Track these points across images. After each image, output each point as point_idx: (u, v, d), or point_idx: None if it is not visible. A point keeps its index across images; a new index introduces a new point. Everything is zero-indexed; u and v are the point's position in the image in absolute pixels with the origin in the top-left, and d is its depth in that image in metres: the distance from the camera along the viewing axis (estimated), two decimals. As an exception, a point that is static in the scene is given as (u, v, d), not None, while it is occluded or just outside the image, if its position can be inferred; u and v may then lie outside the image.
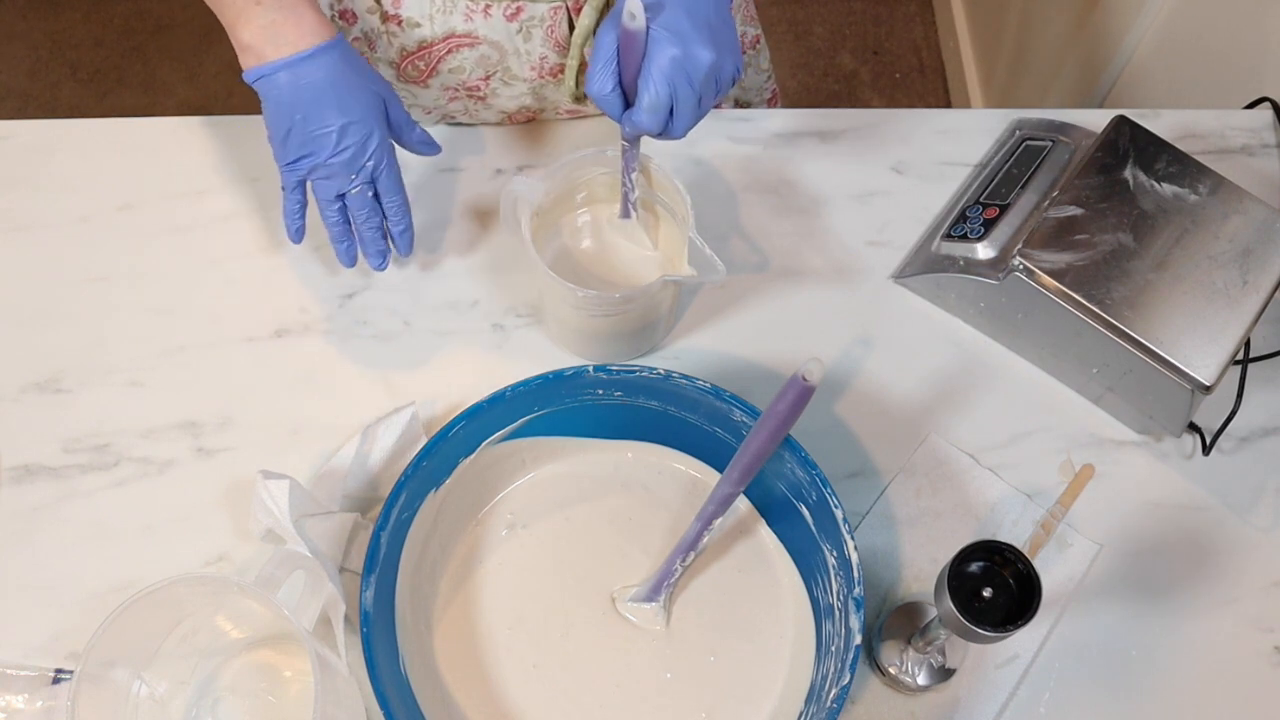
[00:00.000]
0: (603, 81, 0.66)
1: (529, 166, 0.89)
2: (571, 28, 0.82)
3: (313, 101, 0.70)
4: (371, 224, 0.76)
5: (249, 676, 0.70)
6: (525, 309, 0.84)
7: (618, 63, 0.66)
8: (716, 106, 1.01)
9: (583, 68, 0.85)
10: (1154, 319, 0.74)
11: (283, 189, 0.75)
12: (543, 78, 0.85)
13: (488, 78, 0.85)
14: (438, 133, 0.90)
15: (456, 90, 0.86)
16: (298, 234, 0.77)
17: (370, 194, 0.75)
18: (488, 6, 0.79)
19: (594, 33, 0.82)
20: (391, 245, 0.79)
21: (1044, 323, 0.78)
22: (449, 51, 0.82)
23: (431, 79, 0.85)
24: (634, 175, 0.74)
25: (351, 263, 0.79)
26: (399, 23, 0.80)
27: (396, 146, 0.77)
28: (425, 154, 0.79)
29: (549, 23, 0.81)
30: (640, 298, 0.73)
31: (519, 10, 0.80)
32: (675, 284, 0.74)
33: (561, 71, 0.85)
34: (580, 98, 0.87)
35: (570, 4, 0.81)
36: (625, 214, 0.77)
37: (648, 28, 0.64)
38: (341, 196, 0.75)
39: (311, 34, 0.70)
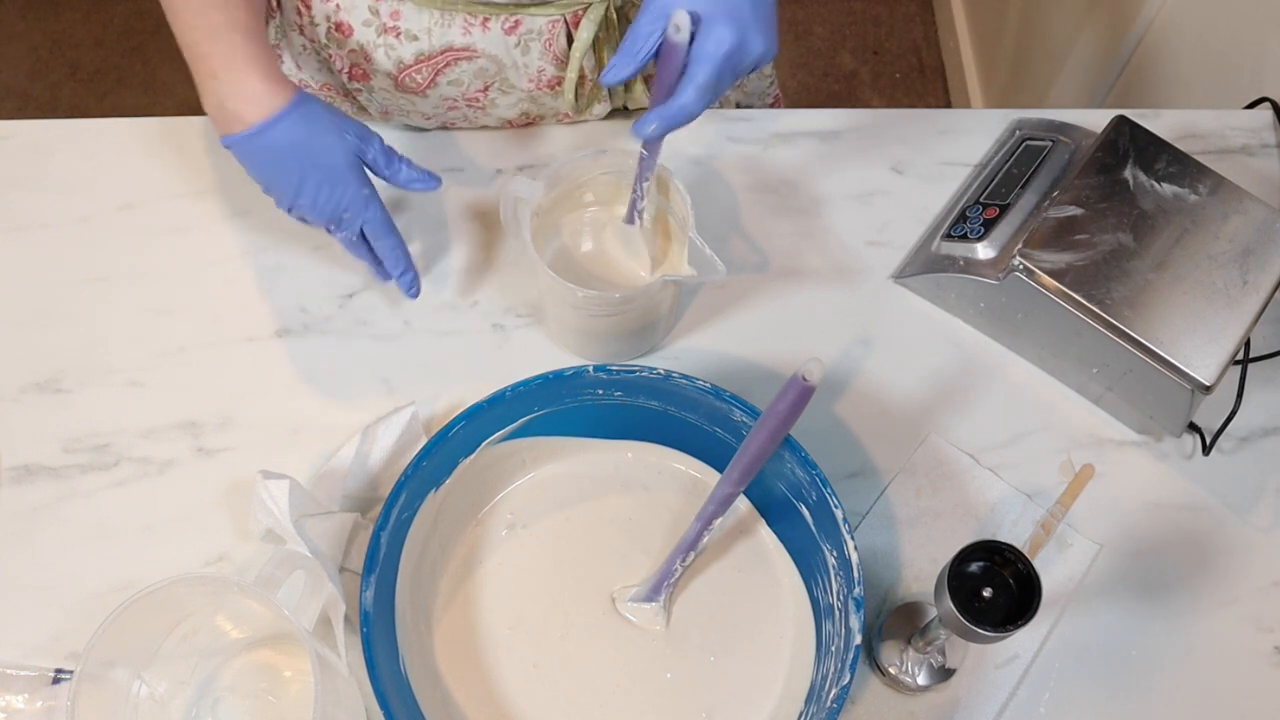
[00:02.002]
0: (624, 71, 0.65)
1: (529, 167, 0.89)
2: (570, 41, 0.82)
3: (274, 167, 0.72)
4: (374, 265, 0.78)
5: (249, 676, 0.70)
6: (525, 309, 0.84)
7: (644, 65, 0.65)
8: (719, 107, 1.01)
9: (582, 80, 0.85)
10: (1154, 319, 0.74)
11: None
12: (540, 89, 0.85)
13: (486, 89, 0.85)
14: (436, 137, 0.91)
15: (455, 100, 0.86)
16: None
17: (358, 238, 0.76)
18: (486, 20, 0.79)
19: (591, 47, 0.82)
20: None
21: (1044, 323, 0.78)
22: (447, 64, 0.82)
23: (430, 90, 0.84)
24: (646, 185, 0.73)
25: (408, 288, 0.79)
26: (397, 35, 0.80)
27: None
28: (420, 190, 0.77)
29: (547, 36, 0.81)
30: (640, 298, 0.73)
31: (517, 24, 0.80)
32: (675, 284, 0.74)
33: (560, 84, 0.85)
34: (580, 110, 0.86)
35: (569, 17, 0.80)
36: (630, 219, 0.77)
37: (691, 39, 0.63)
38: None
39: (259, 105, 0.70)
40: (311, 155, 0.72)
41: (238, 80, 0.70)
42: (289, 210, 0.74)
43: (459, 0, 0.78)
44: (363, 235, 0.76)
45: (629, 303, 0.74)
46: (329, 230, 0.75)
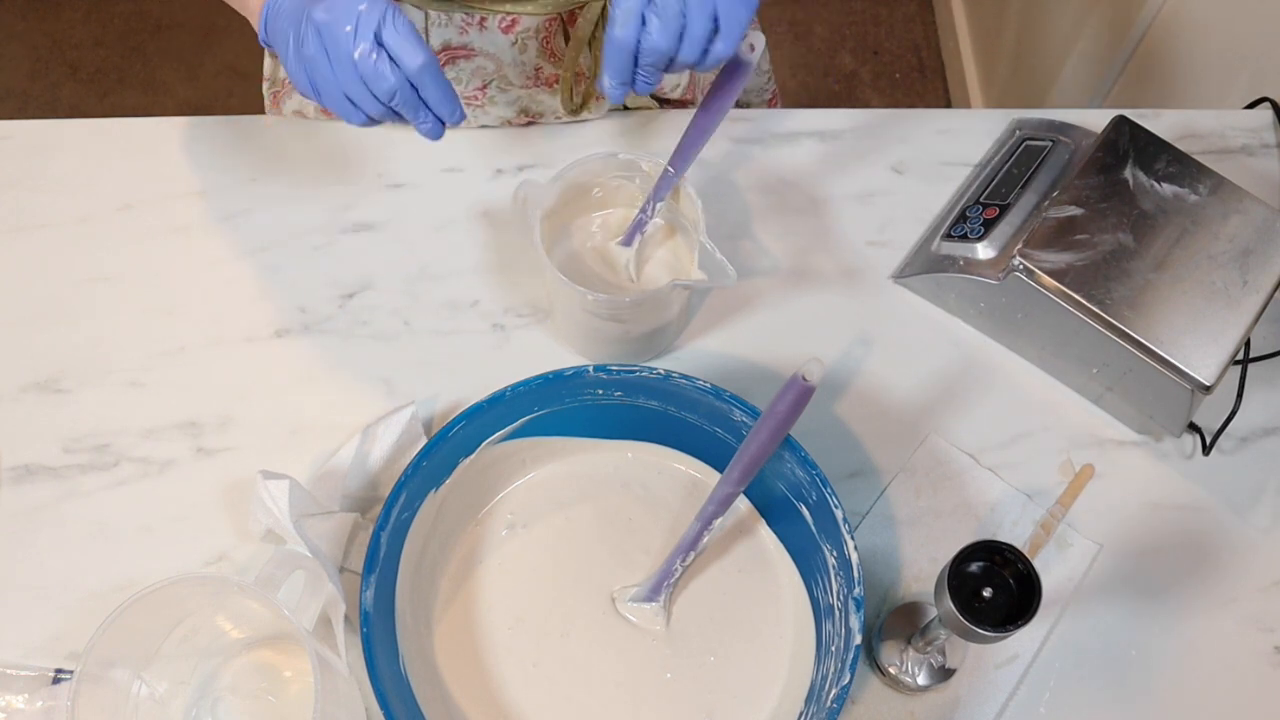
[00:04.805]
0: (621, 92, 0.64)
1: (530, 166, 0.89)
2: (567, 39, 0.82)
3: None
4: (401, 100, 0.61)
5: (249, 676, 0.70)
6: (525, 309, 0.84)
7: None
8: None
9: (578, 79, 0.85)
10: (1154, 319, 0.74)
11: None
12: (539, 86, 0.85)
13: (484, 87, 0.85)
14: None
15: None
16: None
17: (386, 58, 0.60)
18: (483, 19, 0.79)
19: (588, 45, 0.81)
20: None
21: (1044, 323, 0.78)
22: (445, 63, 0.82)
23: None
24: (659, 204, 0.73)
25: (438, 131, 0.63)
26: None
27: None
28: (426, 123, 0.63)
29: (544, 34, 0.81)
30: (649, 301, 0.73)
31: (514, 23, 0.80)
32: (685, 289, 0.74)
33: (558, 81, 0.85)
34: (575, 110, 0.86)
35: (565, 16, 0.81)
36: (628, 241, 0.77)
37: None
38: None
39: None
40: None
41: None
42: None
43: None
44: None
45: (638, 306, 0.74)
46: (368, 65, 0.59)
